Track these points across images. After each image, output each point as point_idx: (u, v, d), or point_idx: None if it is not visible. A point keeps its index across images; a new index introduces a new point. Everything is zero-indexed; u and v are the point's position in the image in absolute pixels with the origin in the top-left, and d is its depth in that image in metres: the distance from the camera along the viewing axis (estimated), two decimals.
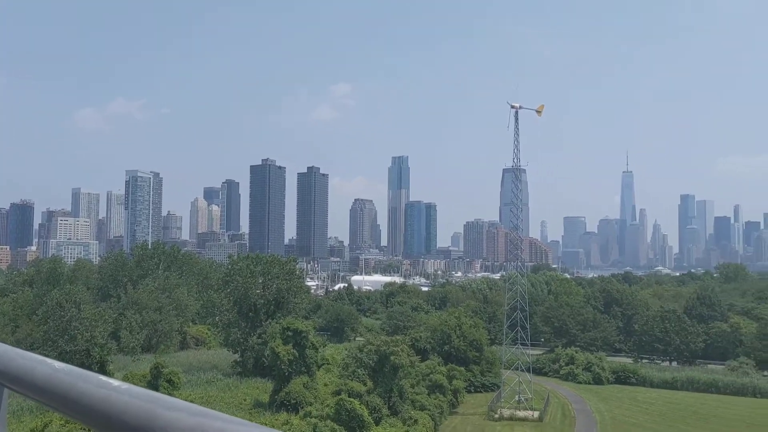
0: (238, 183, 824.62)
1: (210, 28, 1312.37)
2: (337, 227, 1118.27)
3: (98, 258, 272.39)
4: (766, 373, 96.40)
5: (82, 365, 48.42)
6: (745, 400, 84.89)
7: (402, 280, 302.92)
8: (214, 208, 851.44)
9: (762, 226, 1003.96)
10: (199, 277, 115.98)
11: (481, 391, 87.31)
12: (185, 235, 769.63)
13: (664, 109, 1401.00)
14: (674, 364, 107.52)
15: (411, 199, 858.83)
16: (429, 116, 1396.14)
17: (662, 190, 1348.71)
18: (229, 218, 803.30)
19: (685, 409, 78.79)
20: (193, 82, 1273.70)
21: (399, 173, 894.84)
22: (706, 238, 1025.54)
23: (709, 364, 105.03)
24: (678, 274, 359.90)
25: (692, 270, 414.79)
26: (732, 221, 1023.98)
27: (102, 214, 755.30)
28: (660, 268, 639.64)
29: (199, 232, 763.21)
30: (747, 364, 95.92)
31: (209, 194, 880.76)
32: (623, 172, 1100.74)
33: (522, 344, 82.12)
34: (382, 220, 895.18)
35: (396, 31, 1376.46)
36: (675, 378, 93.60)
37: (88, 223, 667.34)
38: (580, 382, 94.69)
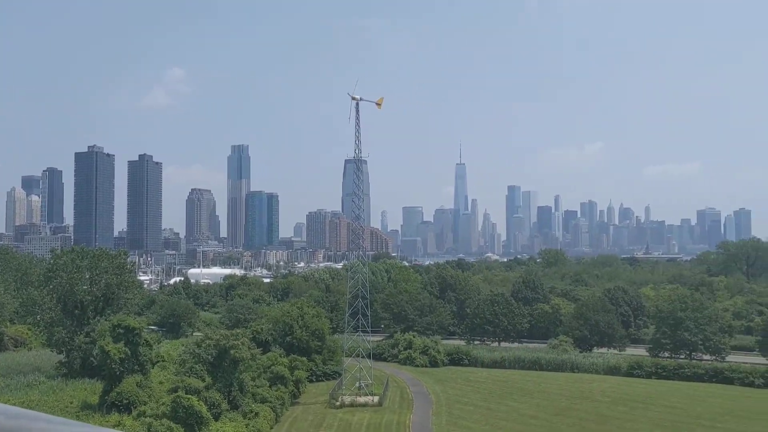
0: (61, 171, 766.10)
1: (30, 4, 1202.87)
2: (173, 218, 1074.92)
3: None
4: (582, 349, 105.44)
5: None
6: (565, 375, 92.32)
7: (243, 272, 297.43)
8: (34, 198, 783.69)
9: (579, 215, 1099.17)
10: (17, 272, 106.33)
11: (323, 380, 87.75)
12: (1, 227, 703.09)
13: (492, 103, 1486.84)
14: (503, 344, 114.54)
15: (252, 189, 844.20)
16: (270, 105, 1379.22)
17: (492, 181, 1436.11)
18: (51, 209, 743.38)
19: (512, 386, 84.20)
20: (6, 62, 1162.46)
21: (239, 162, 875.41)
22: (531, 226, 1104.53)
23: (534, 342, 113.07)
24: (506, 260, 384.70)
25: (518, 256, 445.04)
26: (553, 210, 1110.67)
27: None
28: (490, 254, 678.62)
29: (17, 224, 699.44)
30: (566, 342, 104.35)
31: (28, 183, 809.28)
32: (457, 164, 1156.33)
33: (363, 331, 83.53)
34: (222, 211, 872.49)
35: (233, 15, 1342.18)
36: (503, 357, 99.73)
37: None
38: (417, 366, 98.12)
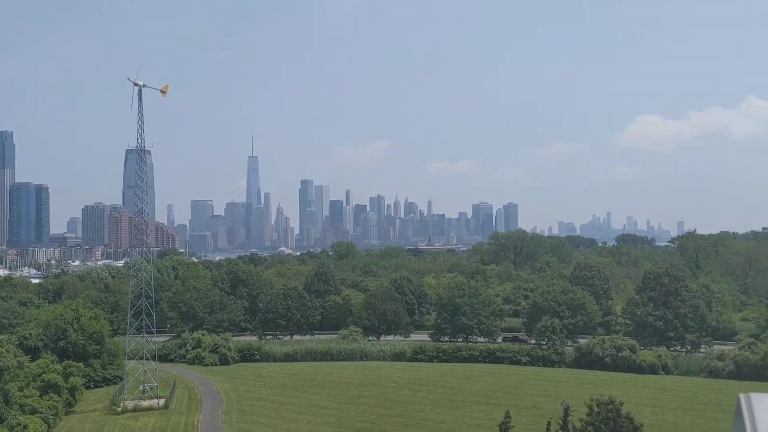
0: None
1: None
2: None
3: None
4: (371, 338, 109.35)
5: None
6: (355, 363, 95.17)
7: (7, 272, 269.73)
8: None
9: (368, 209, 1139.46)
10: None
11: (102, 386, 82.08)
12: None
13: (285, 97, 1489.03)
14: (295, 337, 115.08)
15: (17, 181, 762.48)
16: (37, 89, 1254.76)
17: (285, 175, 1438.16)
18: None
19: (304, 378, 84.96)
20: None
21: (2, 150, 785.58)
22: (323, 219, 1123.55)
23: (325, 334, 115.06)
24: (299, 253, 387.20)
25: (311, 249, 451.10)
26: (344, 204, 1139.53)
27: None
28: (283, 248, 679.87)
29: None
30: (356, 332, 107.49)
31: None
32: (249, 156, 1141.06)
33: (147, 332, 79.18)
34: None
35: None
36: (295, 350, 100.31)
37: None
38: (207, 365, 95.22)
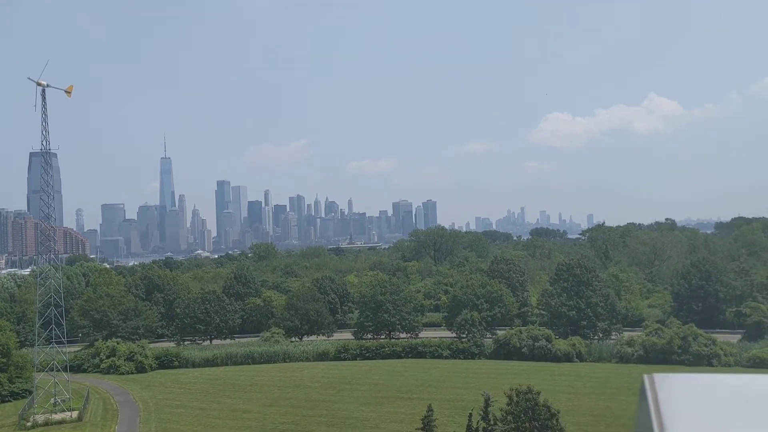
0: None
1: None
2: None
3: None
4: (293, 339, 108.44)
5: None
6: (277, 365, 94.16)
7: None
8: None
9: (288, 209, 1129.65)
10: None
11: (10, 401, 78.23)
12: None
13: (195, 96, 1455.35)
14: (215, 341, 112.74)
15: None
16: None
17: (200, 176, 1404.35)
18: None
19: (225, 383, 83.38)
20: None
21: None
22: (242, 221, 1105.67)
23: (246, 337, 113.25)
24: (217, 256, 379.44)
25: (230, 251, 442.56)
26: (263, 205, 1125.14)
27: None
28: (200, 251, 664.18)
29: None
30: (278, 333, 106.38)
31: None
32: (162, 158, 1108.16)
33: (57, 342, 75.72)
34: None
35: None
36: (216, 355, 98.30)
37: None
38: (123, 373, 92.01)
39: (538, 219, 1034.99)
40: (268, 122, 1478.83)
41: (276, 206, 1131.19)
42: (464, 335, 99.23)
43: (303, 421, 63.36)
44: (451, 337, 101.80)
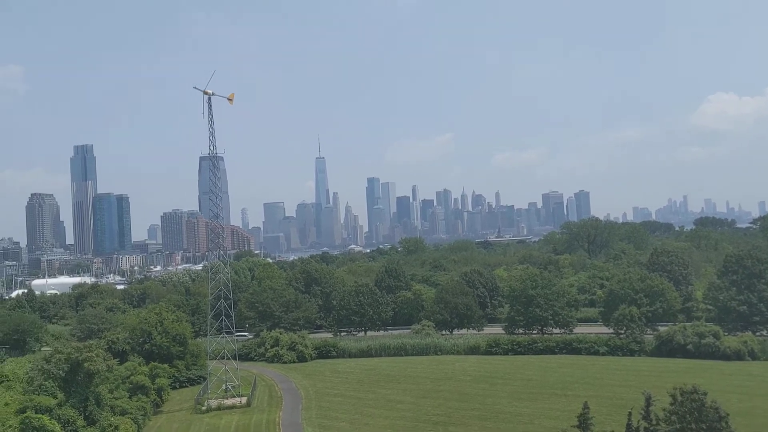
0: None
1: None
2: (11, 227, 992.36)
3: None
4: (443, 332, 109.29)
5: None
6: (429, 358, 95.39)
7: (94, 280, 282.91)
8: None
9: (435, 203, 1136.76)
10: None
11: (187, 386, 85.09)
12: None
13: (347, 97, 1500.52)
14: (369, 333, 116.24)
15: (99, 192, 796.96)
16: (115, 103, 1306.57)
17: (351, 173, 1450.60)
18: None
19: (379, 374, 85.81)
20: None
21: (83, 163, 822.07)
22: (391, 216, 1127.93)
23: (398, 329, 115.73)
24: (368, 250, 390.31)
25: (380, 246, 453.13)
26: (411, 200, 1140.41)
27: None
28: (353, 246, 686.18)
29: None
30: (428, 326, 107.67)
31: None
32: (316, 158, 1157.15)
33: (227, 332, 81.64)
34: (67, 216, 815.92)
35: (66, 8, 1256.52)
36: (370, 346, 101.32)
37: None
38: (285, 362, 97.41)
39: (702, 208, 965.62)
40: (413, 119, 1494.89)
41: (423, 201, 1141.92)
42: (622, 331, 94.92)
43: (456, 414, 63.81)
44: (607, 334, 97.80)
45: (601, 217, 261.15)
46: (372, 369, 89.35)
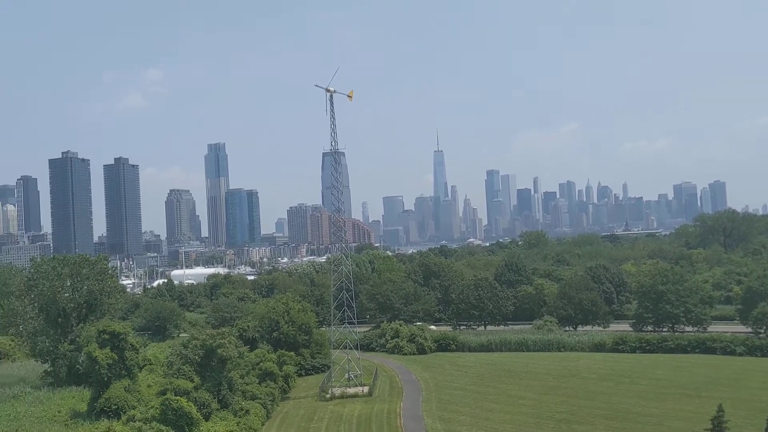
0: (35, 179, 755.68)
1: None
2: (153, 221, 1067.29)
3: None
4: (567, 328, 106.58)
5: None
6: (552, 354, 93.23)
7: (226, 270, 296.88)
8: (10, 207, 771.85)
9: (558, 196, 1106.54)
10: None
11: (312, 374, 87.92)
12: None
13: (466, 89, 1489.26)
14: (489, 327, 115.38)
15: (231, 187, 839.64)
16: (245, 103, 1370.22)
17: (470, 166, 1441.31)
18: (28, 218, 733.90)
19: (499, 368, 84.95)
20: None
21: (216, 161, 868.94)
22: (511, 209, 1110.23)
23: (519, 324, 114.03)
24: (488, 244, 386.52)
25: (500, 240, 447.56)
26: (532, 192, 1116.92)
27: None
28: (472, 240, 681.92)
29: None
30: (551, 322, 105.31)
31: (3, 193, 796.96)
32: (435, 151, 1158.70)
33: (349, 323, 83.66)
34: (202, 211, 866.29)
35: (205, 14, 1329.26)
36: (490, 341, 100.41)
37: None
38: (405, 354, 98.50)
39: None
40: (536, 109, 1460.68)
41: (545, 193, 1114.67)
42: (762, 331, 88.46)
43: (580, 412, 62.09)
44: (745, 333, 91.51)
45: (739, 209, 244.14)
46: (492, 363, 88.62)
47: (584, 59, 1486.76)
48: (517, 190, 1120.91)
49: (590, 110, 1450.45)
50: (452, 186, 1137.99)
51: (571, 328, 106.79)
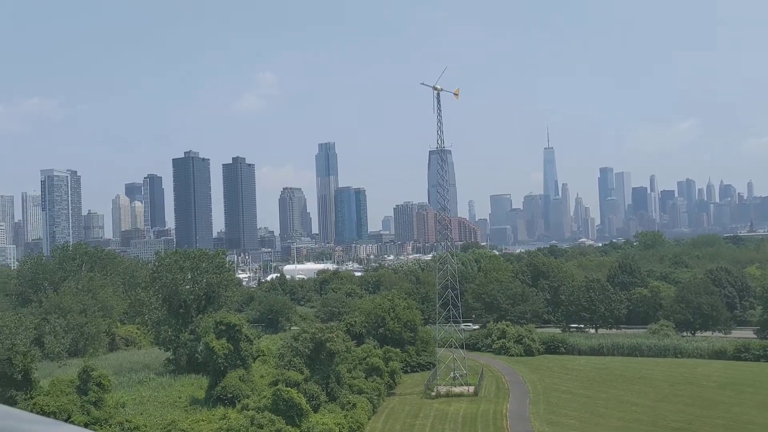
0: (160, 177, 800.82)
1: (126, 19, 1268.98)
2: (267, 217, 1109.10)
3: (16, 263, 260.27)
4: (684, 333, 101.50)
5: (3, 375, 45.61)
6: (667, 360, 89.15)
7: (335, 266, 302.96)
8: (137, 204, 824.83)
9: (676, 194, 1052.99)
10: (125, 276, 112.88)
11: (417, 371, 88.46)
12: (108, 233, 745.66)
13: (578, 85, 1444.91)
14: (600, 330, 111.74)
15: (340, 186, 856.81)
16: (353, 102, 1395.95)
17: (582, 164, 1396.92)
18: (154, 214, 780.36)
19: (612, 373, 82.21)
20: (110, 77, 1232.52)
21: (327, 160, 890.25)
22: (625, 208, 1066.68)
23: (633, 328, 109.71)
24: (600, 244, 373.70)
25: (613, 240, 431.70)
26: (648, 191, 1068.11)
27: (18, 217, 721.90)
28: (583, 239, 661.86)
29: (123, 229, 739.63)
30: (667, 326, 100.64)
31: (131, 190, 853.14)
32: (545, 148, 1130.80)
33: (455, 322, 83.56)
34: (312, 208, 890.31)
35: (315, 19, 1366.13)
36: (601, 344, 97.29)
37: (2, 227, 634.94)
38: (512, 355, 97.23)
39: None
40: (652, 105, 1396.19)
41: (662, 192, 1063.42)
42: None
43: (697, 422, 59.13)
44: None
45: None
46: (603, 368, 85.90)
47: (702, 53, 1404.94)
48: (632, 188, 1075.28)
49: (710, 105, 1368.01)
50: (563, 184, 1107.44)
51: (689, 334, 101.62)
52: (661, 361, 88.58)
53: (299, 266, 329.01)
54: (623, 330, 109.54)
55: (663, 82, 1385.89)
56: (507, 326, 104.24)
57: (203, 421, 54.12)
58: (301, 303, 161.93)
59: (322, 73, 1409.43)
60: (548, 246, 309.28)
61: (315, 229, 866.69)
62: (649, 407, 64.92)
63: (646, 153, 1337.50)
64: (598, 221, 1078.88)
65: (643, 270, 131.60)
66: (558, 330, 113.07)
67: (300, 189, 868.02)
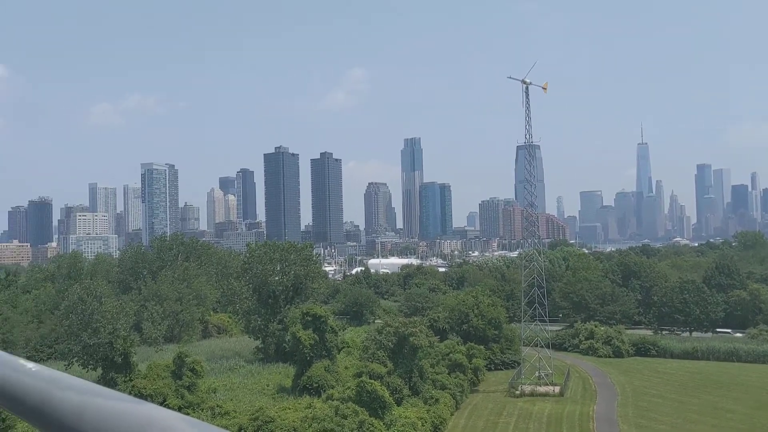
0: (252, 172, 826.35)
1: (221, 19, 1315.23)
2: (353, 212, 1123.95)
3: (118, 252, 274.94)
4: None
5: (105, 357, 48.51)
6: (766, 366, 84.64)
7: (419, 261, 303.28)
8: (231, 197, 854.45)
9: None
10: (218, 266, 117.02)
11: (501, 369, 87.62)
12: (203, 225, 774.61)
13: (674, 78, 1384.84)
14: (694, 334, 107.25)
15: (425, 181, 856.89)
16: (440, 97, 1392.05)
17: (678, 160, 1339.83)
18: (246, 207, 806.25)
19: (706, 378, 78.81)
20: (207, 74, 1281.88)
21: (412, 155, 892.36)
22: (724, 207, 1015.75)
23: (729, 332, 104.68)
24: (696, 244, 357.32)
25: (711, 240, 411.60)
26: (749, 189, 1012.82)
27: (120, 208, 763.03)
28: (678, 239, 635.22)
29: (217, 222, 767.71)
30: (767, 332, 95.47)
31: (225, 184, 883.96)
32: (638, 144, 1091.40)
33: (540, 321, 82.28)
34: (397, 203, 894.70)
35: (405, 14, 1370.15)
36: (695, 348, 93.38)
37: (106, 218, 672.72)
38: (600, 356, 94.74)
39: None
40: (755, 98, 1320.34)
41: (764, 190, 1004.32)
42: None
43: None
44: None
45: None
46: (697, 372, 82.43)
47: None
48: (732, 186, 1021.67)
49: None
50: (657, 181, 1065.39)
51: None
52: (761, 367, 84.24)
53: (383, 260, 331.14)
54: (719, 334, 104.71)
55: (765, 74, 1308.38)
56: (595, 326, 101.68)
57: (290, 409, 55.67)
58: (385, 297, 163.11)
59: (411, 66, 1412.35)
60: (640, 245, 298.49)
61: (399, 224, 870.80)
62: (745, 415, 61.90)
63: (747, 149, 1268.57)
64: (694, 220, 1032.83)
65: (742, 272, 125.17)
66: (649, 332, 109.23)
67: (385, 184, 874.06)
